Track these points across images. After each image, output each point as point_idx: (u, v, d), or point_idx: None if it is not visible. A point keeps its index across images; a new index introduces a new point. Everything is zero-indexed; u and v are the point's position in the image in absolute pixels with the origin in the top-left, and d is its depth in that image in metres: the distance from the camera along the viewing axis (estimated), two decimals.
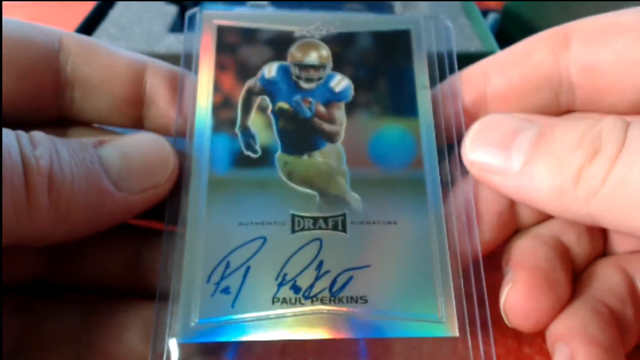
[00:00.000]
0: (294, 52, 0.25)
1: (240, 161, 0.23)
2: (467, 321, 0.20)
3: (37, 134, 0.18)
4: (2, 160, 0.16)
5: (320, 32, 0.25)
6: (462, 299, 0.21)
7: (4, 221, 0.16)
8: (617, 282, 0.22)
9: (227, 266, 0.20)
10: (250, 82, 0.24)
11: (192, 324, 0.19)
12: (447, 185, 0.23)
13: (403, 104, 0.24)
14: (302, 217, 0.22)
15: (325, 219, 0.22)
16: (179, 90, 0.23)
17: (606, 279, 0.22)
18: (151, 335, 0.20)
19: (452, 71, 0.25)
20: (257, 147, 0.23)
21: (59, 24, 0.24)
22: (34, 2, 0.54)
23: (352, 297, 0.20)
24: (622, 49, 0.20)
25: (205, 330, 0.19)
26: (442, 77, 0.25)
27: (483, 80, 0.24)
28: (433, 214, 0.22)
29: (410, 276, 0.21)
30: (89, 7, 0.41)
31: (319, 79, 0.24)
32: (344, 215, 0.22)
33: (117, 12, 0.42)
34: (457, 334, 0.20)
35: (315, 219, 0.22)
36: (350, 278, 0.20)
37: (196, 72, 0.24)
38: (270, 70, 0.24)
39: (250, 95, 0.24)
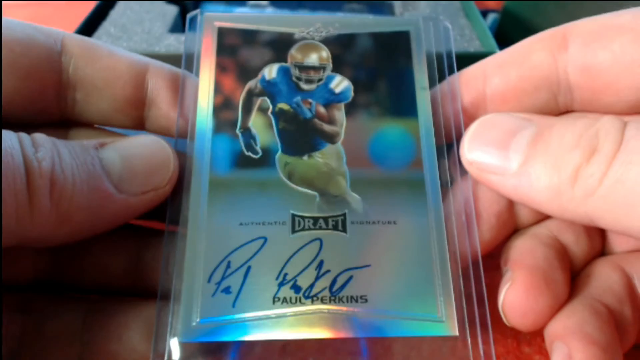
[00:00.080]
0: (294, 53, 0.25)
1: (241, 162, 0.23)
2: (466, 320, 0.20)
3: (39, 136, 0.18)
4: (4, 163, 0.16)
5: (320, 33, 0.25)
6: (462, 298, 0.21)
7: (6, 222, 0.16)
8: (615, 282, 0.22)
9: (228, 266, 0.21)
10: (250, 84, 0.24)
11: (194, 324, 0.20)
12: (446, 186, 0.23)
13: (403, 105, 0.24)
14: (303, 217, 0.22)
15: (326, 219, 0.22)
16: (180, 91, 0.24)
17: (604, 279, 0.22)
18: (152, 335, 0.20)
19: (451, 72, 0.25)
20: (258, 148, 0.23)
21: (59, 24, 0.24)
22: (34, 2, 0.54)
23: (352, 297, 0.20)
24: (620, 50, 0.20)
25: (206, 330, 0.20)
26: (442, 78, 0.25)
27: (482, 80, 0.24)
28: (433, 214, 0.22)
29: (410, 276, 0.21)
30: (90, 7, 0.41)
31: (319, 80, 0.24)
32: (344, 215, 0.22)
33: (117, 13, 0.42)
34: (457, 333, 0.20)
35: (315, 219, 0.22)
36: (351, 278, 0.21)
37: (197, 74, 0.24)
38: (271, 72, 0.24)
39: (250, 96, 0.24)
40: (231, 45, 0.25)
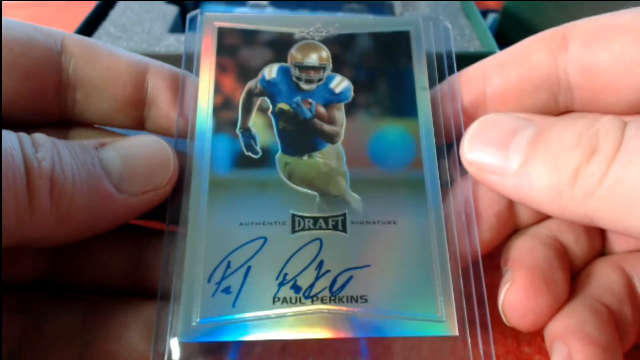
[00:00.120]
0: (294, 53, 0.25)
1: (241, 162, 0.23)
2: (466, 320, 0.20)
3: (39, 136, 0.18)
4: (4, 163, 0.16)
5: (320, 33, 0.25)
6: (462, 298, 0.21)
7: (6, 222, 0.16)
8: (615, 282, 0.22)
9: (228, 266, 0.21)
10: (250, 84, 0.24)
11: (194, 324, 0.20)
12: (446, 186, 0.23)
13: (403, 105, 0.24)
14: (303, 217, 0.22)
15: (326, 219, 0.22)
16: (180, 91, 0.24)
17: (604, 279, 0.22)
18: (152, 335, 0.20)
19: (451, 72, 0.25)
20: (258, 148, 0.23)
21: (59, 24, 0.24)
22: (34, 2, 0.54)
23: (352, 297, 0.20)
24: (620, 50, 0.20)
25: (206, 330, 0.20)
26: (442, 78, 0.25)
27: (482, 80, 0.24)
28: (433, 214, 0.22)
29: (410, 276, 0.21)
30: (90, 7, 0.41)
31: (319, 80, 0.24)
32: (344, 215, 0.22)
33: (117, 13, 0.42)
34: (457, 333, 0.20)
35: (315, 219, 0.22)
36: (351, 278, 0.21)
37: (197, 74, 0.24)
38: (271, 72, 0.24)
39: (250, 96, 0.24)
40: (231, 45, 0.25)
